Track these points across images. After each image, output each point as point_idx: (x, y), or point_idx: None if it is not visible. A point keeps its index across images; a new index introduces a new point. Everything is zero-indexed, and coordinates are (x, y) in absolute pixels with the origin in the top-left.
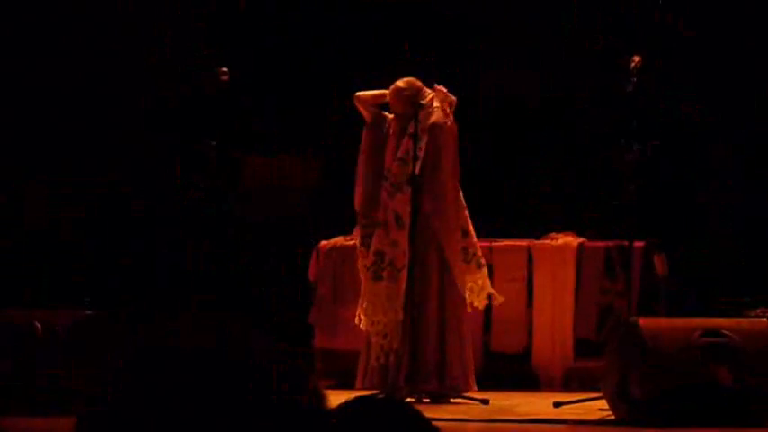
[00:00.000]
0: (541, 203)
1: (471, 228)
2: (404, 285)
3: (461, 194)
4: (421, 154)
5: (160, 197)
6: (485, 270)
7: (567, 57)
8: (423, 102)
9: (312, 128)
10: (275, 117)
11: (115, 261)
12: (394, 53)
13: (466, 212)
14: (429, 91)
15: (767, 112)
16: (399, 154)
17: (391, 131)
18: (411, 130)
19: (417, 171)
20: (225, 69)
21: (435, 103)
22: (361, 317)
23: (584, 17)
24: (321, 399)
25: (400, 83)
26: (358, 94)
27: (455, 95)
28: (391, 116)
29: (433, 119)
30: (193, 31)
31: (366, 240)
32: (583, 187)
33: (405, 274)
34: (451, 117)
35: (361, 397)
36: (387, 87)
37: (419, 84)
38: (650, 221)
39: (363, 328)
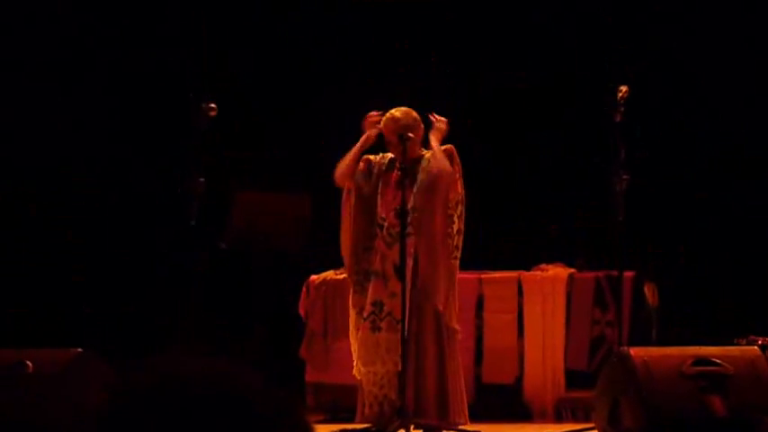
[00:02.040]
0: (531, 234)
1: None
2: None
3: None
4: (411, 199)
5: (152, 232)
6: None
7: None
8: (412, 134)
9: (303, 163)
10: (266, 152)
11: (111, 302)
12: (388, 70)
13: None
14: (422, 127)
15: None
16: (396, 205)
17: (384, 179)
18: (400, 164)
19: (409, 204)
20: (213, 105)
21: (434, 144)
22: (358, 366)
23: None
24: None
25: (397, 112)
26: (337, 174)
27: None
28: (378, 158)
29: (440, 165)
30: (184, 66)
31: (358, 288)
32: (572, 217)
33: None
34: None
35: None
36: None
37: (414, 114)
38: (641, 251)
39: (358, 377)
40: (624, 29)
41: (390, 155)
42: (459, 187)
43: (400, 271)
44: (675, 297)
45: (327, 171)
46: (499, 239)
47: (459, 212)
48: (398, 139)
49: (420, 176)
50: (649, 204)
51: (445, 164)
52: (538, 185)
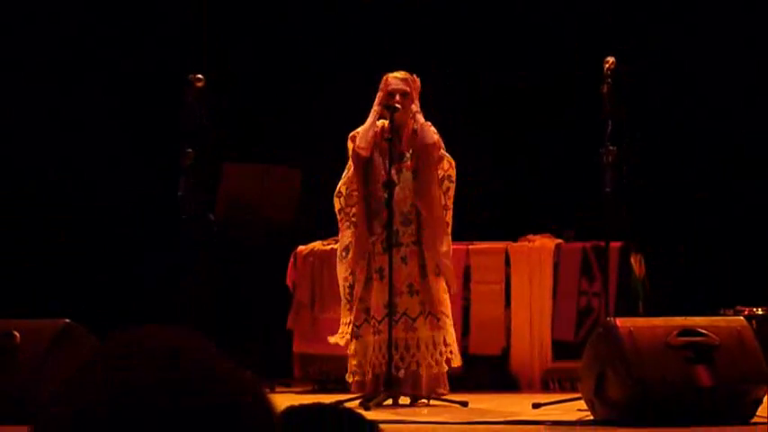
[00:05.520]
0: (519, 205)
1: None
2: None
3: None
4: (409, 167)
5: (143, 206)
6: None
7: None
8: (399, 105)
9: (293, 135)
10: (255, 124)
11: (100, 269)
12: (380, 55)
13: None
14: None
15: (749, 113)
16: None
17: (380, 149)
18: (387, 135)
19: (394, 176)
20: (200, 76)
21: (421, 120)
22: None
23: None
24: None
25: (397, 72)
26: (363, 145)
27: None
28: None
29: (427, 140)
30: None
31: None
32: (560, 188)
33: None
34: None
35: (291, 406)
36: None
37: (412, 78)
38: (628, 222)
39: (349, 351)
40: (624, 29)
41: (382, 123)
42: (446, 164)
43: (387, 233)
44: (662, 268)
45: (317, 144)
46: (486, 210)
47: (445, 189)
48: (385, 109)
49: (410, 153)
50: (636, 175)
51: (433, 136)
52: (525, 156)
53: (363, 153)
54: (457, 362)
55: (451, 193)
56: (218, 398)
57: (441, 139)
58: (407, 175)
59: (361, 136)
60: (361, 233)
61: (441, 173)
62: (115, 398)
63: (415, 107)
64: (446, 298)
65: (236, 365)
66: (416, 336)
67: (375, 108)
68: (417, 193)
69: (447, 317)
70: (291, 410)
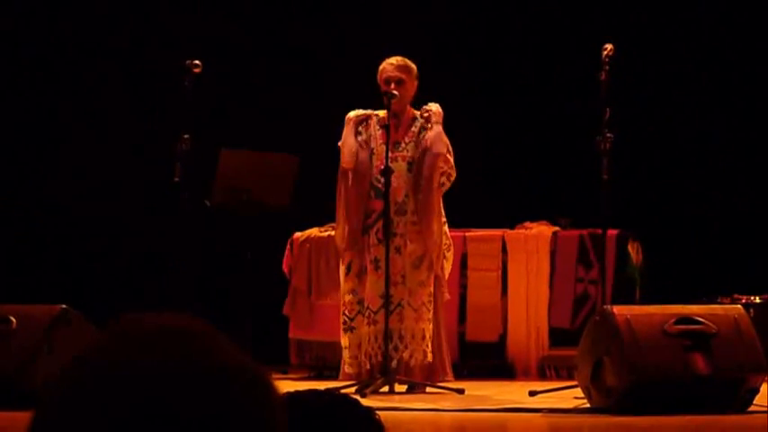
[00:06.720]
0: (516, 192)
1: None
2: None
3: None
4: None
5: (138, 192)
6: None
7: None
8: (396, 92)
9: (290, 120)
10: (252, 110)
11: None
12: (378, 46)
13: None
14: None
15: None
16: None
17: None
18: (384, 122)
19: (390, 163)
20: (197, 62)
21: (434, 119)
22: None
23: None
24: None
25: (393, 59)
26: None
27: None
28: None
29: (434, 149)
30: (168, 23)
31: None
32: (557, 176)
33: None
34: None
35: (287, 392)
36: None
37: (411, 64)
38: (626, 210)
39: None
40: (624, 25)
41: (376, 114)
42: (450, 160)
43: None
44: (659, 255)
45: (315, 131)
46: (484, 197)
47: (440, 184)
48: (383, 95)
49: (406, 142)
50: (634, 163)
51: (442, 148)
52: (523, 144)
53: (349, 167)
54: (430, 357)
55: (445, 188)
56: (219, 398)
57: (450, 146)
58: (402, 165)
59: (343, 150)
60: (338, 217)
61: (443, 167)
62: (115, 397)
63: (434, 119)
64: (429, 291)
65: (241, 358)
66: (408, 325)
67: (347, 123)
68: (418, 201)
69: (428, 310)
70: (288, 397)
